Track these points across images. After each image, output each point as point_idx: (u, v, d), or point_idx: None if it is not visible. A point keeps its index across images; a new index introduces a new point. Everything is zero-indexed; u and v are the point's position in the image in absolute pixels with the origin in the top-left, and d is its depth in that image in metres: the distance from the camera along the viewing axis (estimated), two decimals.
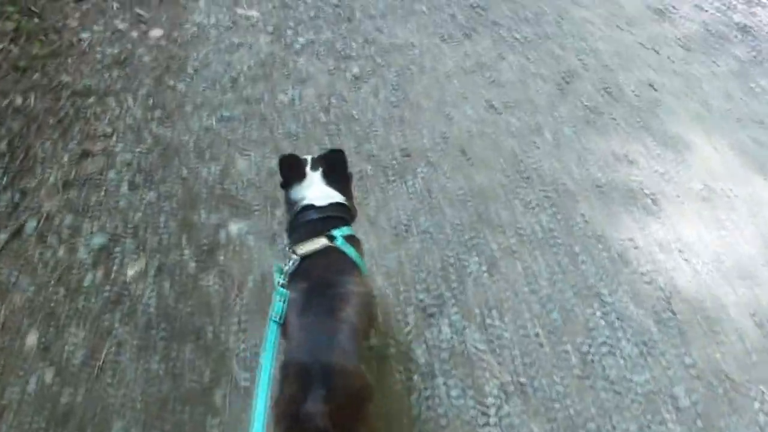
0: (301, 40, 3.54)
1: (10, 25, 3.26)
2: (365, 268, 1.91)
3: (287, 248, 1.90)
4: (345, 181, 2.01)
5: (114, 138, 2.94)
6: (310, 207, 1.88)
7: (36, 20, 3.37)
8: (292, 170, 1.93)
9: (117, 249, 2.56)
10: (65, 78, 3.16)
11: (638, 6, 4.15)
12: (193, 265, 2.52)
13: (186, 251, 2.56)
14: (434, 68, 3.42)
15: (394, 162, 2.91)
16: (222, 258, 2.54)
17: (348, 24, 3.66)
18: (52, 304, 2.38)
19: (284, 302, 1.70)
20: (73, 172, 2.78)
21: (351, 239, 1.89)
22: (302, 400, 1.50)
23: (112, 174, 2.79)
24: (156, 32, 3.51)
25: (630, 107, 3.33)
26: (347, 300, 1.71)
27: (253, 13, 3.69)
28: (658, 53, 3.81)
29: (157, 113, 3.08)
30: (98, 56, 3.31)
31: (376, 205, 2.74)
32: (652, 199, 2.85)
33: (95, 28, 3.45)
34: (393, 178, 2.85)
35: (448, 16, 3.77)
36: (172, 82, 3.24)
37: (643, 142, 3.13)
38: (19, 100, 3.02)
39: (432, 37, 3.62)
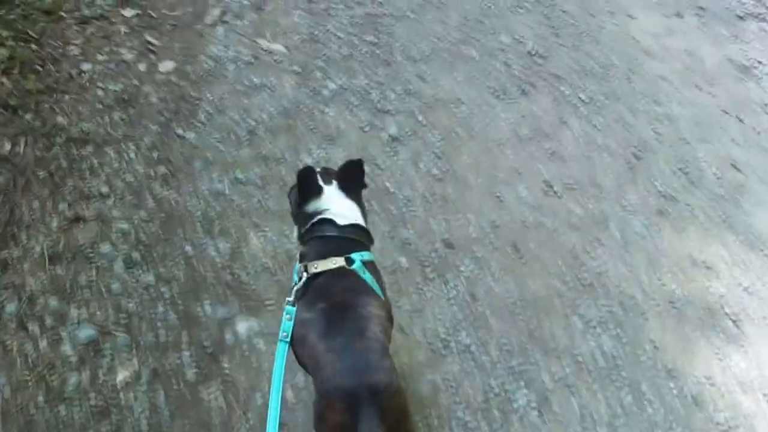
0: (331, 85, 3.34)
1: (3, 53, 3.09)
2: (382, 294, 1.94)
3: (302, 259, 1.91)
4: (362, 188, 2.07)
5: (111, 200, 2.76)
6: (328, 222, 1.92)
7: (33, 47, 3.20)
8: (310, 186, 1.96)
9: (107, 345, 2.39)
10: (61, 120, 2.98)
11: (719, 59, 3.91)
12: (193, 371, 2.35)
13: (185, 353, 2.39)
14: (485, 133, 3.21)
15: (434, 255, 2.72)
16: (227, 365, 2.37)
17: (386, 68, 3.45)
18: (31, 412, 2.23)
19: (292, 320, 1.76)
20: (62, 242, 2.61)
21: (370, 265, 1.93)
22: (354, 425, 1.55)
23: (106, 247, 2.62)
24: (167, 65, 3.32)
25: (710, 194, 3.11)
26: (371, 320, 1.76)
27: (278, 47, 3.49)
28: (741, 122, 3.58)
29: (162, 170, 2.90)
30: (99, 93, 3.13)
31: (411, 309, 2.55)
32: (733, 321, 2.65)
33: (98, 57, 3.26)
34: (432, 276, 2.66)
35: (501, 65, 3.55)
36: (180, 130, 3.06)
37: (725, 242, 2.92)
38: (7, 146, 2.85)
39: (483, 91, 3.40)
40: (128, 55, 3.32)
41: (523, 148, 3.16)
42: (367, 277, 1.88)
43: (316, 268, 1.82)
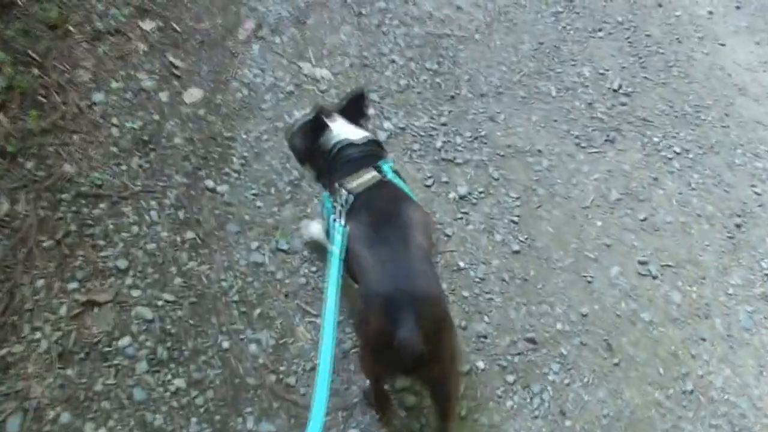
0: (387, 124, 2.83)
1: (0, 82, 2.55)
2: (415, 198, 1.99)
3: (337, 186, 1.92)
4: (365, 117, 2.15)
5: (130, 276, 2.29)
6: (350, 145, 1.99)
7: (35, 72, 2.64)
8: (320, 126, 2.02)
9: None
10: (68, 168, 2.47)
11: None
12: None
13: None
14: (567, 193, 2.72)
15: (515, 355, 2.29)
16: None
17: (450, 104, 2.93)
18: None
19: (344, 239, 1.78)
20: (73, 335, 2.15)
21: (396, 173, 1.99)
22: (393, 329, 1.57)
23: (125, 341, 2.16)
24: (193, 94, 2.79)
25: None
26: (415, 227, 1.80)
27: (323, 72, 2.96)
28: None
29: (189, 235, 2.42)
30: (114, 132, 2.61)
31: (488, 424, 2.14)
32: None
33: (113, 84, 2.72)
34: (512, 381, 2.24)
35: (583, 105, 3.04)
36: (211, 182, 2.56)
37: None
38: (4, 206, 2.36)
39: (563, 138, 2.90)
40: (148, 82, 2.78)
41: (612, 215, 2.69)
42: (399, 181, 1.95)
43: (353, 183, 1.87)
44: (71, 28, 2.85)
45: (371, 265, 1.71)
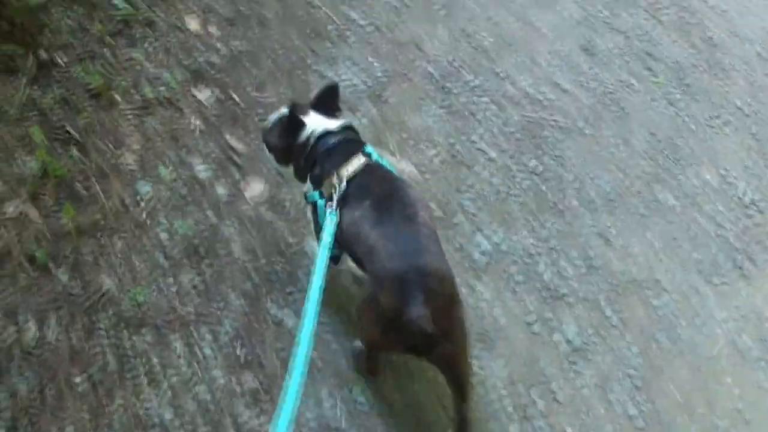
0: (483, 242, 2.38)
1: (32, 166, 2.13)
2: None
3: (319, 179, 1.93)
4: (337, 111, 2.09)
5: (175, 430, 1.90)
6: (327, 134, 1.97)
7: (74, 152, 2.23)
8: (295, 124, 1.98)
9: None
10: (108, 283, 2.07)
11: None
12: None
13: None
14: (694, 344, 2.28)
15: None
16: None
17: (556, 216, 2.49)
18: None
19: (333, 224, 1.78)
20: None
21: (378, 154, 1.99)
22: (403, 307, 1.58)
23: None
24: (255, 188, 2.37)
25: None
26: (416, 205, 1.80)
27: (407, 167, 2.52)
28: None
29: (249, 380, 2.00)
30: (162, 236, 2.20)
31: None
32: None
33: (162, 171, 2.31)
34: None
35: (708, 222, 2.57)
36: (275, 308, 2.14)
37: None
38: (31, 329, 1.96)
39: (685, 264, 2.45)
40: (202, 169, 2.36)
41: (748, 375, 2.24)
42: (385, 162, 1.95)
43: (346, 170, 1.85)
44: (117, 96, 2.44)
45: (381, 244, 1.71)
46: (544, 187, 2.57)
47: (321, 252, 1.71)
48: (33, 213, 2.10)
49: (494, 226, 2.44)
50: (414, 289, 1.60)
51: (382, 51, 2.84)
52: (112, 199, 2.22)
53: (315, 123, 1.99)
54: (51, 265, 2.08)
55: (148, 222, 2.22)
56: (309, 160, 1.98)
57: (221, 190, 2.35)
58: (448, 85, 2.78)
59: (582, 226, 2.49)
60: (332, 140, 1.96)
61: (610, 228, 2.51)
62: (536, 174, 2.60)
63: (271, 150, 2.12)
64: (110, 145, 2.31)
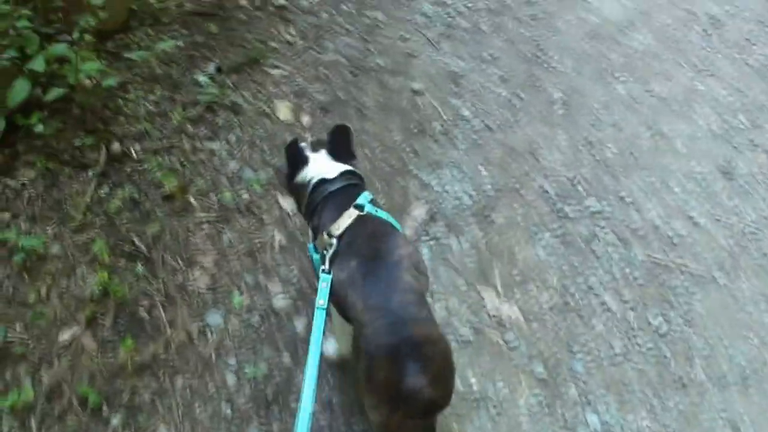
0: (591, 419, 2.02)
1: (93, 287, 1.85)
2: (399, 225, 1.91)
3: (317, 231, 1.88)
4: (351, 158, 2.03)
5: None
6: (323, 182, 1.92)
7: (139, 268, 1.95)
8: (296, 157, 1.95)
9: None
10: None
11: None
12: None
13: None
14: None
15: None
16: None
17: (679, 393, 2.10)
18: None
19: (328, 287, 1.73)
20: None
21: (374, 202, 1.91)
22: (400, 379, 1.55)
23: None
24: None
25: None
26: (401, 266, 1.73)
27: (512, 311, 2.16)
28: None
29: None
30: (229, 380, 1.91)
31: None
32: None
33: (235, 298, 1.99)
34: None
35: None
36: None
37: None
38: None
39: None
40: (280, 299, 2.06)
41: None
42: (382, 213, 1.88)
43: (337, 228, 1.80)
44: (192, 199, 2.14)
45: (366, 315, 1.66)
46: (668, 353, 2.19)
47: (316, 316, 1.68)
48: (89, 343, 1.85)
49: (607, 398, 2.08)
50: (410, 360, 1.57)
51: (494, 158, 2.49)
52: (177, 330, 1.95)
53: (317, 167, 1.94)
54: (104, 407, 1.83)
55: (215, 361, 1.94)
56: (309, 207, 1.95)
57: (300, 325, 2.06)
58: (565, 208, 2.42)
59: (709, 409, 2.11)
60: (329, 188, 1.91)
61: (742, 415, 2.13)
62: (660, 335, 2.22)
63: (278, 178, 2.13)
64: (180, 262, 2.04)
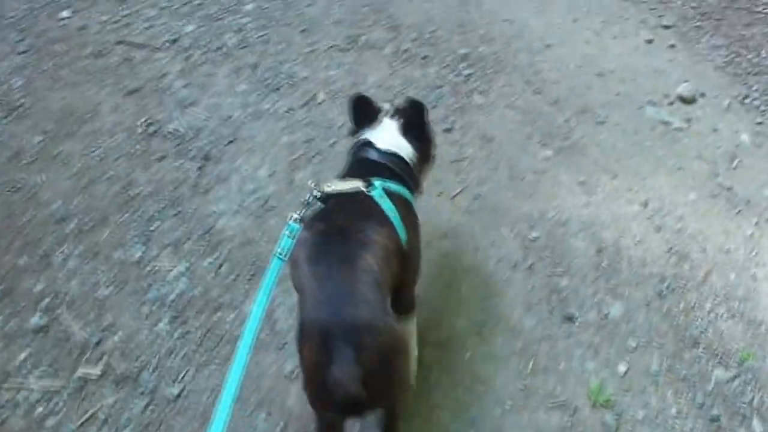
0: None
1: None
2: (403, 233, 1.75)
3: (309, 183, 1.80)
4: (424, 140, 1.99)
5: None
6: (369, 145, 1.86)
7: None
8: (363, 112, 1.92)
9: None
10: None
11: None
12: None
13: None
14: None
15: None
16: None
17: None
18: None
19: (293, 238, 1.64)
20: None
21: (398, 198, 1.78)
22: (327, 364, 1.41)
23: None
24: None
25: None
26: (367, 247, 1.59)
27: None
28: None
29: None
30: None
31: None
32: None
33: None
34: None
35: None
36: None
37: None
38: None
39: None
40: None
41: None
42: (386, 204, 1.73)
43: (331, 186, 1.74)
44: None
45: (308, 284, 1.54)
46: None
47: (272, 263, 1.58)
48: None
49: None
50: (340, 344, 1.40)
51: None
52: None
53: (378, 130, 1.88)
54: None
55: None
56: (348, 156, 1.91)
57: None
58: None
59: None
60: (365, 153, 1.85)
61: None
62: None
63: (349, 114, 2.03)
64: None
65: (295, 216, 1.67)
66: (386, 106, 1.99)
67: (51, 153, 3.05)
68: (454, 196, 2.82)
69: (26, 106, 3.24)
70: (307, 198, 1.72)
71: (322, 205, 1.73)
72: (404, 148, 1.91)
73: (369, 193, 1.73)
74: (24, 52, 3.46)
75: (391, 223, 1.71)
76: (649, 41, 3.72)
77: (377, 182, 1.76)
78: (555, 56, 3.53)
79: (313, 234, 1.63)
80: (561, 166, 2.98)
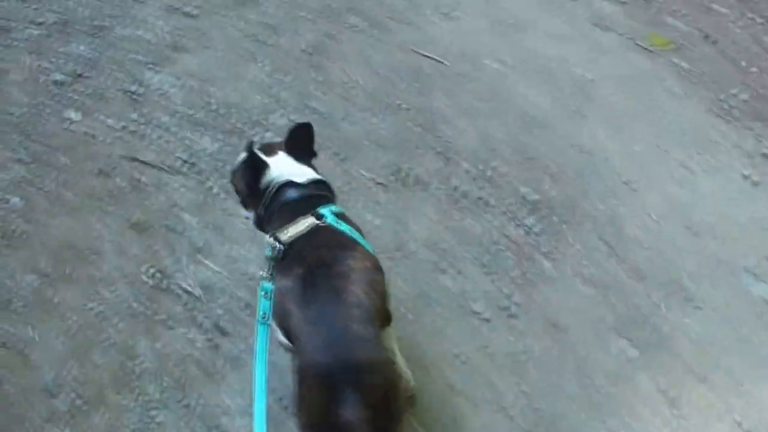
0: None
1: None
2: (369, 246, 1.81)
3: (268, 237, 1.78)
4: (312, 156, 1.98)
5: None
6: (289, 184, 1.83)
7: None
8: (256, 162, 1.86)
9: None
10: None
11: None
12: None
13: None
14: None
15: None
16: None
17: None
18: None
19: (270, 299, 1.66)
20: None
21: (342, 217, 1.81)
22: (334, 408, 1.42)
23: None
24: None
25: None
26: (350, 278, 1.61)
27: None
28: None
29: None
30: None
31: None
32: None
33: None
34: None
35: None
36: None
37: None
38: None
39: None
40: None
41: None
42: (344, 227, 1.77)
43: (287, 233, 1.72)
44: None
45: (303, 329, 1.56)
46: None
47: (258, 331, 1.60)
48: None
49: None
50: (347, 387, 1.44)
51: None
52: None
53: (280, 169, 1.85)
54: None
55: None
56: (267, 211, 1.85)
57: None
58: None
59: None
60: (292, 194, 1.81)
61: None
62: None
63: (236, 192, 2.05)
64: None
65: (263, 274, 1.68)
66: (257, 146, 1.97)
67: (46, 300, 2.69)
68: (507, 407, 2.36)
69: (24, 233, 2.86)
70: (270, 253, 1.70)
71: (284, 252, 1.71)
72: (312, 173, 1.92)
73: (325, 223, 1.74)
74: (26, 162, 3.06)
75: (357, 243, 1.75)
76: (746, 177, 3.11)
77: (324, 210, 1.77)
78: (637, 202, 2.93)
79: (294, 279, 1.64)
80: (642, 368, 2.46)
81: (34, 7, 3.65)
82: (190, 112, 3.19)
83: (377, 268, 1.76)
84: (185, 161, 3.02)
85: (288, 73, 3.33)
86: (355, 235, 1.78)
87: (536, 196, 2.98)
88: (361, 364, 1.48)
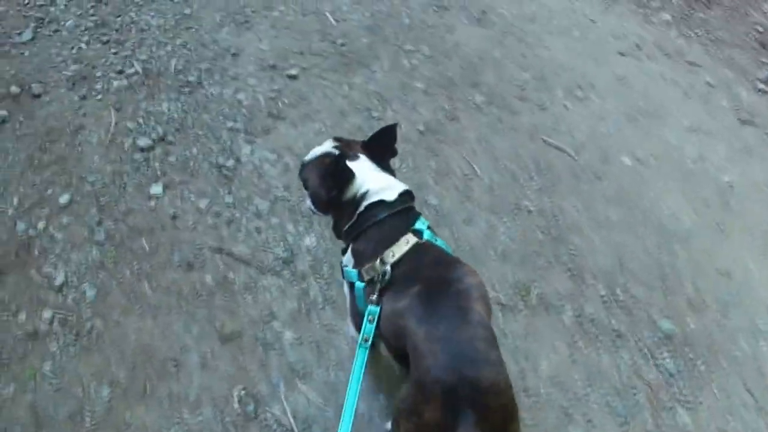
0: None
1: None
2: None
3: (362, 256, 1.75)
4: (392, 156, 1.91)
5: None
6: (379, 204, 1.77)
7: None
8: (343, 173, 1.78)
9: None
10: None
11: None
12: None
13: None
14: None
15: None
16: None
17: None
18: None
19: (374, 322, 1.65)
20: None
21: (431, 229, 1.79)
22: (451, 426, 1.42)
23: None
24: None
25: None
26: (472, 297, 1.60)
27: None
28: None
29: None
30: None
31: None
32: None
33: None
34: None
35: None
36: None
37: None
38: None
39: None
40: None
41: None
42: (440, 242, 1.76)
43: (392, 255, 1.67)
44: None
45: (428, 348, 1.51)
46: None
47: (358, 353, 1.58)
48: None
49: None
50: (468, 407, 1.42)
51: None
52: None
53: (368, 183, 1.77)
54: None
55: None
56: (354, 229, 1.79)
57: None
58: None
59: None
60: (384, 213, 1.75)
61: None
62: None
63: (309, 192, 1.92)
64: None
65: (373, 298, 1.65)
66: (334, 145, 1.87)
67: (118, 418, 2.35)
68: None
69: (96, 332, 2.51)
70: (378, 276, 1.67)
71: (391, 276, 1.67)
72: (398, 182, 1.85)
73: (423, 239, 1.72)
74: (102, 243, 2.72)
75: (460, 260, 1.73)
76: None
77: (420, 225, 1.75)
78: None
79: (411, 298, 1.60)
80: None
81: (122, 53, 3.32)
82: (289, 197, 2.82)
83: (483, 283, 1.74)
84: (281, 259, 2.65)
85: (400, 156, 2.95)
86: (447, 248, 1.78)
87: (674, 328, 2.55)
88: (486, 385, 1.46)
